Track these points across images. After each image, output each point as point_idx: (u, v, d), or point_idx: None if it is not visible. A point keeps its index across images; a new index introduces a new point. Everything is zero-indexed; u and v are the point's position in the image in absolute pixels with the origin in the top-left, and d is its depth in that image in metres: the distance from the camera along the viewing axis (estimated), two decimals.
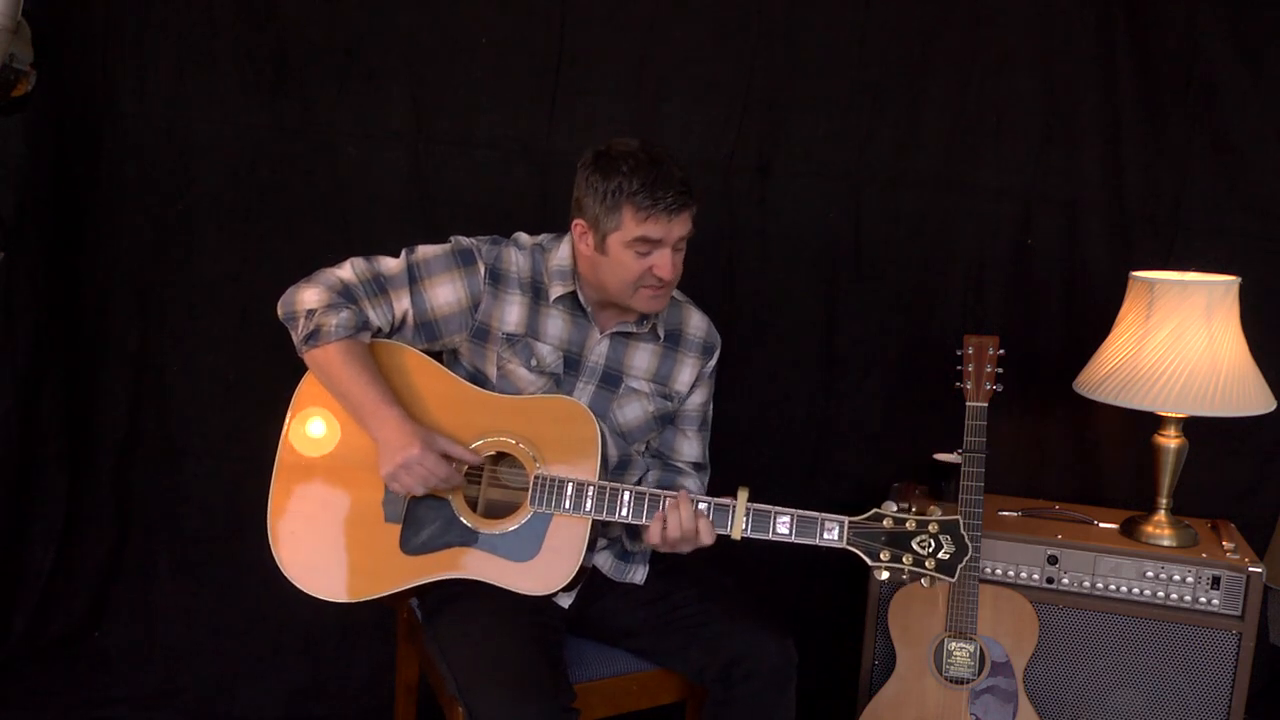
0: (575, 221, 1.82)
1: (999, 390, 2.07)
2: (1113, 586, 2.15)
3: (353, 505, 1.81)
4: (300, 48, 2.53)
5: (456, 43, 2.52)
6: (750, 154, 2.53)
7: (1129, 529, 2.23)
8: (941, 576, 1.67)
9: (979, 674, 2.10)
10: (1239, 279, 2.13)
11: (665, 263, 1.76)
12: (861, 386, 2.59)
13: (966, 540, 1.68)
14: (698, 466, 2.02)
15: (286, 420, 1.85)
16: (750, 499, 1.73)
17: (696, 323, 2.00)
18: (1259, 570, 2.07)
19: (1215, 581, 2.10)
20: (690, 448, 2.01)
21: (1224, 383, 2.05)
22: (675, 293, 1.99)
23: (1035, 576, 2.19)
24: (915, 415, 2.55)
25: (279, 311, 1.83)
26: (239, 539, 2.60)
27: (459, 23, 2.51)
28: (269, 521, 1.82)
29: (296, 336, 1.80)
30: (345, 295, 1.80)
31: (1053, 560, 2.18)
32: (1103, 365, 2.18)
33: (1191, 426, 2.18)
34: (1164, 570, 2.12)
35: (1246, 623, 2.07)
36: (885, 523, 1.69)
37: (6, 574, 2.63)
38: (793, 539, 1.71)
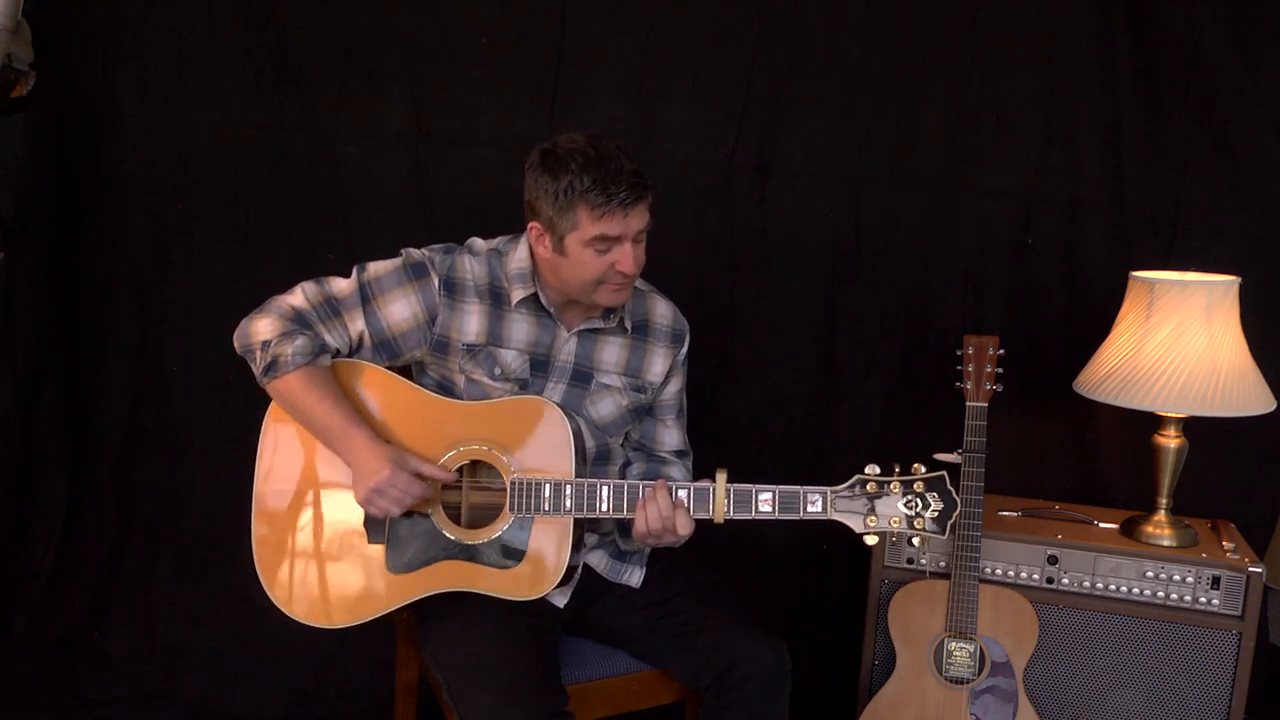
0: (530, 224, 1.79)
1: (999, 390, 2.07)
2: (1113, 586, 2.15)
3: (335, 531, 1.81)
4: (300, 48, 2.53)
5: (456, 43, 2.52)
6: (750, 154, 2.53)
7: (1129, 529, 2.23)
8: (933, 534, 1.66)
9: (979, 674, 2.10)
10: (1239, 279, 2.13)
11: (627, 257, 1.74)
12: (861, 386, 2.59)
13: (954, 494, 1.67)
14: (680, 454, 2.02)
15: (258, 456, 1.83)
16: (730, 480, 1.71)
17: (663, 311, 1.98)
18: (1259, 570, 2.07)
19: (1215, 581, 2.10)
20: (671, 436, 2.00)
21: (1224, 383, 2.05)
22: (639, 282, 1.96)
23: (1035, 576, 2.19)
24: (915, 415, 2.55)
25: (235, 345, 1.81)
26: (239, 539, 2.57)
27: (459, 23, 2.51)
28: (255, 558, 1.82)
29: (256, 369, 1.78)
30: (299, 322, 1.77)
31: (1053, 560, 2.18)
32: (1103, 365, 2.18)
33: (1191, 426, 2.18)
34: (1164, 570, 2.12)
35: (1246, 623, 2.07)
36: (869, 487, 1.68)
37: (6, 574, 2.63)
38: (776, 515, 1.70)
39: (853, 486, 1.69)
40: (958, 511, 1.67)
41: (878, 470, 1.69)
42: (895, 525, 1.67)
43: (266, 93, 2.54)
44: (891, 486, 1.68)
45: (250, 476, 1.85)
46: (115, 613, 2.68)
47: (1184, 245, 2.42)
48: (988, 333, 2.08)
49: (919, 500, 1.67)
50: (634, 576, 1.93)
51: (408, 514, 1.78)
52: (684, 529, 1.73)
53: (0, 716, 2.45)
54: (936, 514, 1.67)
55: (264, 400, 1.88)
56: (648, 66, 2.51)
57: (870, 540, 1.69)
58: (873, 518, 1.68)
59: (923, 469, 1.68)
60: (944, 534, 1.67)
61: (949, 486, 1.67)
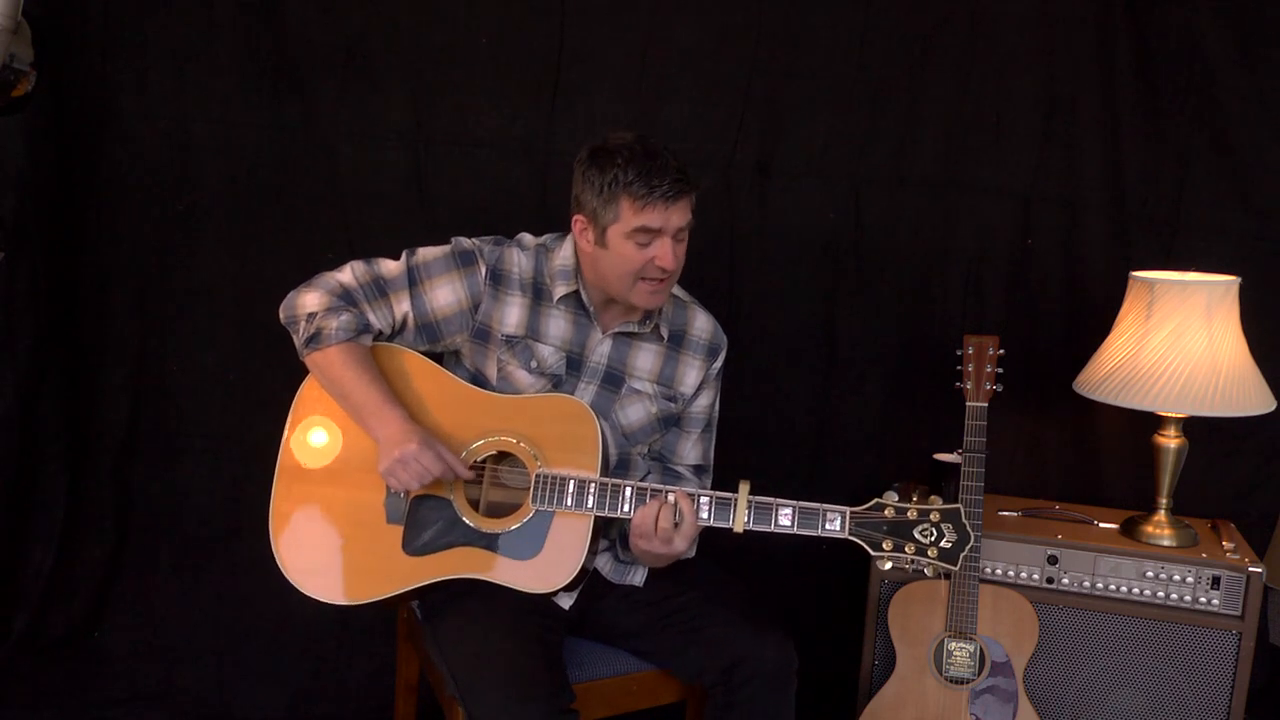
0: (575, 217, 1.83)
1: (999, 390, 2.07)
2: (1113, 586, 2.15)
3: (355, 507, 1.81)
4: (300, 48, 2.52)
5: (456, 43, 2.51)
6: (750, 154, 2.53)
7: (1129, 529, 2.23)
8: (944, 565, 1.68)
9: (979, 674, 2.10)
10: (1239, 279, 2.13)
11: (666, 252, 1.76)
12: (861, 387, 2.59)
13: (968, 529, 1.68)
14: (699, 469, 2.02)
15: (287, 424, 1.86)
16: (751, 493, 1.73)
17: (701, 323, 1.99)
18: (1259, 570, 2.07)
19: (1215, 581, 2.10)
20: (692, 450, 2.01)
21: (1224, 383, 2.05)
22: (681, 293, 1.99)
23: (1035, 576, 2.19)
24: (915, 415, 2.55)
25: (280, 315, 1.84)
26: (239, 539, 2.60)
27: (459, 23, 2.51)
28: (270, 524, 1.82)
29: (298, 340, 1.81)
30: (345, 298, 1.81)
31: (1053, 560, 2.18)
32: (1103, 365, 2.18)
33: (1191, 426, 2.18)
34: (1164, 570, 2.12)
35: (1246, 623, 2.07)
36: (886, 513, 1.70)
37: (6, 574, 2.63)
38: (795, 530, 1.71)
39: (872, 510, 1.71)
40: (970, 544, 1.68)
41: (896, 498, 1.71)
42: (909, 552, 1.69)
43: (266, 93, 2.54)
44: (909, 514, 1.70)
45: (250, 474, 1.86)
46: (115, 613, 2.68)
47: (1184, 245, 2.42)
48: (988, 333, 2.09)
49: (934, 530, 1.69)
50: (637, 576, 1.94)
51: (428, 497, 1.79)
52: (680, 544, 1.74)
53: (0, 716, 2.45)
54: (950, 545, 1.68)
55: (265, 399, 1.89)
56: (648, 66, 2.51)
57: (882, 565, 1.70)
58: (888, 542, 1.69)
59: (939, 500, 1.71)
60: (956, 566, 1.68)
61: (964, 520, 1.69)
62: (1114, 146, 2.45)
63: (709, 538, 1.94)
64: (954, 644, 2.10)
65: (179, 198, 2.57)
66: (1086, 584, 2.16)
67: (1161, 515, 2.20)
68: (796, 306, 2.58)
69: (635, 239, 1.75)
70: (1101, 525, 2.27)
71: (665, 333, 1.94)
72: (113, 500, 2.68)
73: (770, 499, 1.72)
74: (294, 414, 1.87)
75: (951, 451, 2.25)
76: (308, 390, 1.87)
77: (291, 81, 2.53)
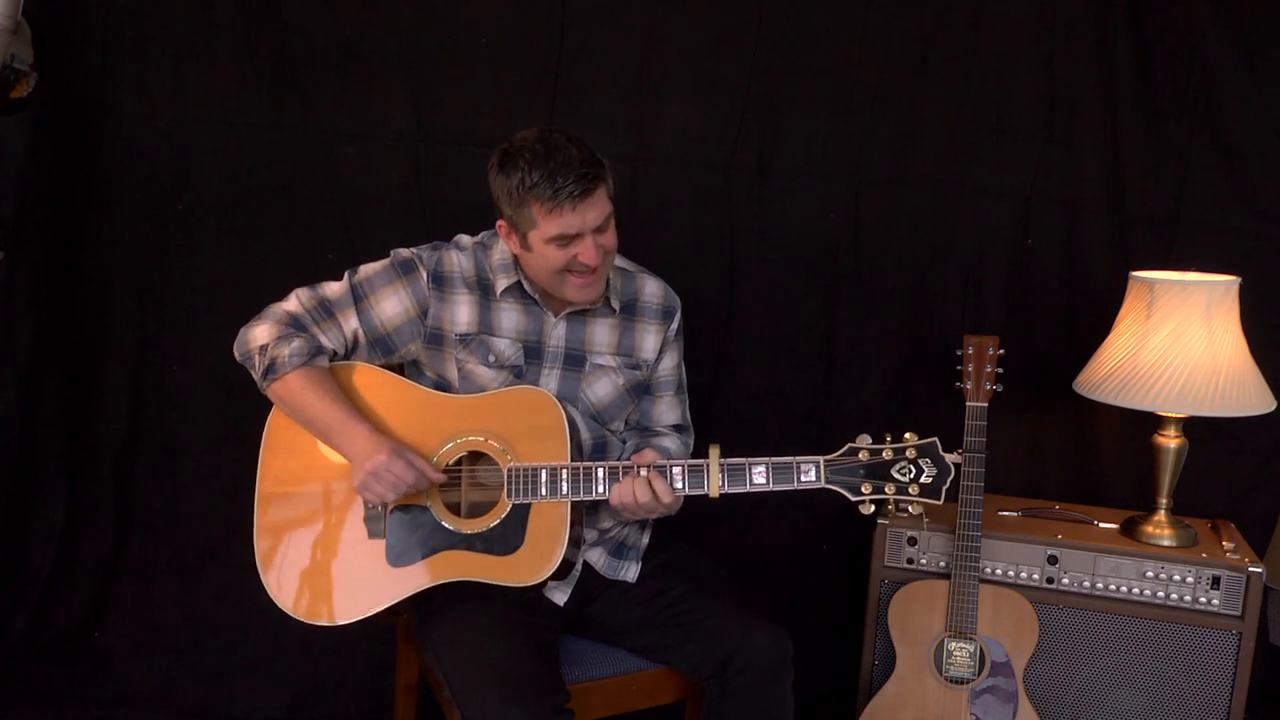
0: (498, 223, 1.83)
1: (999, 390, 2.07)
2: (1113, 586, 2.15)
3: (336, 528, 1.82)
4: (300, 48, 2.52)
5: (456, 43, 2.51)
6: (750, 154, 2.53)
7: (1129, 529, 2.23)
8: (928, 501, 1.66)
9: (979, 674, 2.10)
10: (1239, 279, 2.13)
11: (589, 249, 1.75)
12: (861, 387, 2.59)
13: (947, 461, 1.67)
14: (678, 428, 2.03)
15: (260, 457, 1.86)
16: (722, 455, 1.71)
17: (652, 289, 1.99)
18: (1259, 570, 2.07)
19: (1215, 581, 2.10)
20: (669, 412, 2.01)
21: (1224, 383, 2.05)
22: (625, 263, 1.99)
23: (1035, 576, 2.19)
24: (915, 415, 2.54)
25: (235, 354, 1.85)
26: (239, 539, 2.56)
27: (459, 23, 2.51)
28: (257, 560, 1.84)
29: (256, 374, 1.82)
30: (294, 325, 1.82)
31: (1053, 560, 2.18)
32: (1103, 365, 2.18)
33: (1191, 426, 2.18)
34: (1164, 570, 2.12)
35: (1246, 623, 2.07)
36: (861, 456, 1.69)
37: (6, 574, 2.63)
38: (770, 487, 1.70)
39: (845, 455, 1.70)
40: (951, 477, 1.66)
41: (869, 439, 1.69)
42: (890, 492, 1.67)
43: (266, 93, 2.54)
44: (884, 454, 1.68)
45: (250, 476, 1.86)
46: (115, 613, 2.68)
47: (1184, 245, 2.42)
48: (988, 333, 2.09)
49: (912, 467, 1.67)
50: (630, 572, 1.94)
51: (406, 507, 1.79)
52: (661, 508, 1.75)
53: (0, 716, 2.45)
54: (930, 479, 1.66)
55: (264, 400, 1.88)
56: (648, 66, 2.51)
57: (865, 509, 1.68)
58: (867, 485, 1.68)
59: (914, 436, 1.68)
60: (939, 500, 1.66)
61: (941, 452, 1.67)
62: (1114, 146, 2.45)
63: (706, 538, 1.94)
64: (954, 644, 2.10)
65: (179, 198, 2.57)
66: (1086, 584, 2.16)
67: (1161, 515, 2.20)
68: (796, 306, 2.58)
69: (556, 243, 1.75)
70: (1101, 525, 2.27)
71: (617, 305, 1.94)
72: (113, 500, 2.68)
73: (741, 459, 1.71)
74: (265, 446, 1.87)
75: (951, 451, 2.25)
76: (275, 421, 1.87)
77: (291, 81, 2.53)
